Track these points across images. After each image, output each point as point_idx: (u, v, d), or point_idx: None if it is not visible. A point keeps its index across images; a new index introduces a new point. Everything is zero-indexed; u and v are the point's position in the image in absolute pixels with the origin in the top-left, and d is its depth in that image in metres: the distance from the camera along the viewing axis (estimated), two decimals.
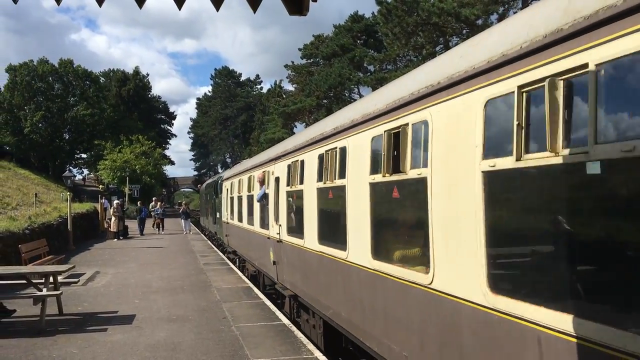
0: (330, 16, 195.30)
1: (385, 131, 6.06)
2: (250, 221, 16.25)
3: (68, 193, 26.98)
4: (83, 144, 73.25)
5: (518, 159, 3.82)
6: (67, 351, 8.59)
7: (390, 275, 5.95)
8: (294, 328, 10.11)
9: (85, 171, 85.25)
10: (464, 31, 37.80)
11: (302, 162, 9.95)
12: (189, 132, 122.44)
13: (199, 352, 8.50)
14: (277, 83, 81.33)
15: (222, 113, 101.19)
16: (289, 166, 11.10)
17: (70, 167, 71.37)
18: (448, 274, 4.83)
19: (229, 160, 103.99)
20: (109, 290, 14.25)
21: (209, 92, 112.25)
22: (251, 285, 15.23)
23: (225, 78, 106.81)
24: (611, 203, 3.33)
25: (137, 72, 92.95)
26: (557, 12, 3.63)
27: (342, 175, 7.60)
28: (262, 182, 13.98)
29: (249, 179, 16.70)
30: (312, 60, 64.48)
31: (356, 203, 6.98)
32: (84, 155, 78.53)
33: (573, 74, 3.43)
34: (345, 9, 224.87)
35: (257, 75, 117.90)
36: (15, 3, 3.03)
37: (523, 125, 3.82)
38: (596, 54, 3.22)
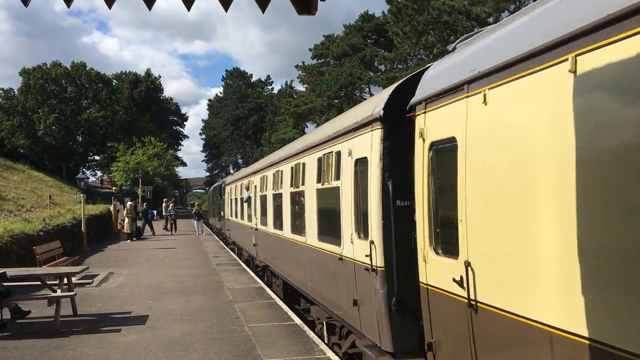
0: (339, 16, 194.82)
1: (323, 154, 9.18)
2: (242, 217, 21.31)
3: (82, 195, 27.19)
4: (96, 146, 73.77)
5: None
6: (81, 352, 8.66)
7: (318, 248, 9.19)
8: (306, 328, 10.11)
9: (99, 173, 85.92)
10: (475, 29, 37.57)
11: (266, 176, 15.55)
12: (200, 134, 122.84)
13: (212, 352, 8.52)
14: (288, 83, 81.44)
15: (233, 114, 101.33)
16: (261, 178, 16.53)
17: (84, 169, 71.94)
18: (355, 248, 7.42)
19: (240, 161, 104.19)
20: (123, 291, 14.34)
21: (220, 93, 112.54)
22: (263, 285, 15.25)
23: (236, 79, 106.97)
24: None
25: (148, 74, 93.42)
26: None
27: (303, 183, 10.79)
28: (247, 188, 19.05)
29: (241, 185, 21.51)
30: (322, 60, 64.46)
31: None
32: (97, 157, 79.15)
33: None
34: (355, 9, 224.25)
35: (268, 76, 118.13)
36: (26, 6, 3.05)
37: None
38: None
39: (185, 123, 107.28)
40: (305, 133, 47.41)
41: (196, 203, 50.57)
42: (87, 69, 71.32)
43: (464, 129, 4.85)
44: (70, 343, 9.20)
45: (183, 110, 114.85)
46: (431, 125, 5.52)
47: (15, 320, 10.68)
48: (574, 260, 3.48)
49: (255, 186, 17.70)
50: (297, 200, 11.41)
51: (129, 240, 30.19)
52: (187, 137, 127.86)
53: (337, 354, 8.61)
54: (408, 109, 6.08)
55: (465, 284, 4.76)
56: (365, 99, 41.58)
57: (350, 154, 7.61)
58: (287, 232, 12.16)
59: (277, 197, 13.59)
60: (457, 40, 6.25)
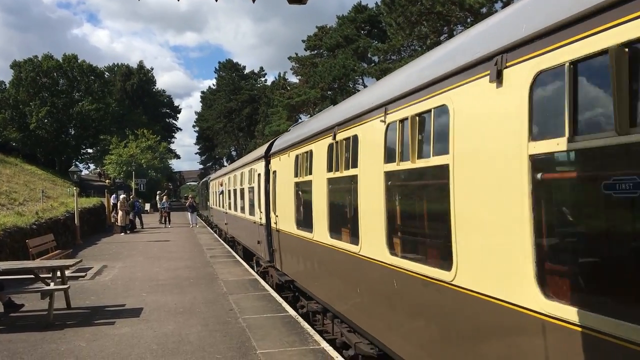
0: (332, 7, 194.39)
1: (248, 169, 18.42)
2: (219, 205, 29.65)
3: (74, 188, 27.07)
4: (89, 139, 73.40)
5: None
6: (75, 345, 8.64)
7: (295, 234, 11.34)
8: (300, 319, 10.12)
9: (92, 166, 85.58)
10: (469, 20, 37.55)
11: (235, 175, 22.11)
12: (193, 126, 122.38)
13: (206, 344, 8.53)
14: (281, 75, 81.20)
15: (226, 106, 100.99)
16: (228, 178, 25.18)
17: (77, 162, 71.65)
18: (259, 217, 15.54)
19: (234, 153, 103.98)
20: (117, 284, 14.31)
21: (213, 85, 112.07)
22: (258, 277, 15.27)
23: (229, 71, 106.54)
24: None
25: (141, 66, 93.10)
26: None
27: (241, 184, 20.20)
28: (221, 184, 28.26)
29: (218, 182, 31.03)
30: (315, 51, 64.29)
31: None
32: (90, 150, 78.80)
33: None
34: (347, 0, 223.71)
35: (261, 68, 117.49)
36: None
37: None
38: None
39: (178, 115, 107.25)
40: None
41: (190, 195, 50.58)
42: (78, 62, 70.84)
43: (277, 168, 12.98)
44: (64, 336, 9.18)
45: (176, 103, 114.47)
46: (272, 164, 13.75)
47: (8, 314, 10.64)
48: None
49: (225, 183, 26.34)
50: (241, 194, 20.24)
51: (122, 233, 30.12)
52: (180, 129, 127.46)
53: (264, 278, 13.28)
54: (268, 155, 14.66)
55: (276, 223, 12.91)
56: (359, 91, 42.55)
57: (257, 170, 15.94)
58: (239, 212, 20.91)
59: (235, 192, 22.19)
60: (293, 124, 16.10)
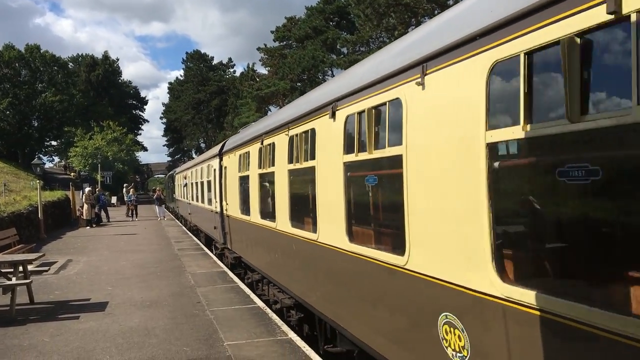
0: None
1: (204, 165, 21.84)
2: (183, 196, 32.48)
3: (38, 181, 26.49)
4: (53, 131, 71.87)
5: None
6: (39, 340, 8.49)
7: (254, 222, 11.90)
8: (268, 310, 10.14)
9: (56, 159, 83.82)
10: (436, 12, 37.84)
11: (197, 169, 24.36)
12: (161, 118, 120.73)
13: (173, 337, 8.48)
14: (250, 66, 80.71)
15: (194, 97, 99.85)
16: (190, 172, 27.72)
17: (40, 155, 70.05)
18: (215, 206, 18.09)
19: (203, 145, 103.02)
20: (82, 278, 14.08)
21: (181, 76, 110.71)
22: (226, 269, 15.21)
23: (197, 62, 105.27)
24: None
25: (106, 56, 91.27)
26: None
27: (200, 178, 23.02)
28: (185, 177, 30.74)
29: (181, 176, 33.64)
30: (284, 42, 64.07)
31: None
32: (54, 143, 77.12)
33: None
34: None
35: (230, 59, 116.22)
36: None
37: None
38: None
39: (145, 107, 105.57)
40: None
41: (157, 188, 50.00)
42: (41, 52, 69.16)
43: (227, 164, 15.33)
44: (27, 331, 9.01)
45: (142, 94, 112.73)
46: (224, 160, 16.02)
47: None
48: None
49: (189, 177, 28.77)
50: (201, 186, 22.54)
51: (88, 227, 29.61)
52: (148, 121, 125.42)
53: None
54: (221, 153, 16.86)
55: (227, 210, 15.57)
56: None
57: (213, 166, 18.38)
58: (200, 203, 23.38)
59: (196, 184, 24.59)
60: (243, 126, 21.47)
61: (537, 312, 3.35)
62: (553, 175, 3.39)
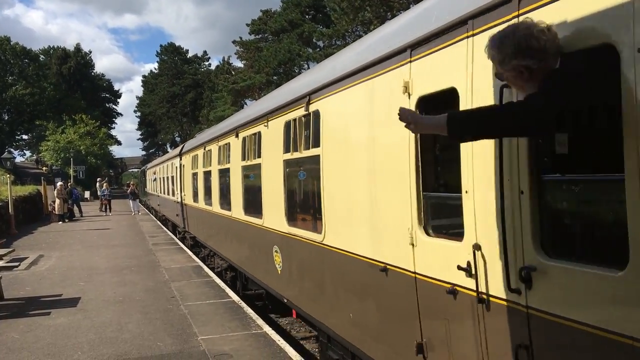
0: None
1: (168, 164, 26.26)
2: (153, 190, 36.14)
3: (8, 175, 25.97)
4: (24, 125, 70.57)
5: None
6: (8, 336, 8.34)
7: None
8: (243, 304, 10.10)
9: (28, 153, 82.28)
10: (411, 5, 37.98)
11: (163, 166, 28.27)
12: (135, 111, 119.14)
13: (146, 332, 8.40)
14: (226, 59, 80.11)
15: (169, 91, 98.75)
16: (158, 169, 31.59)
17: (10, 149, 68.63)
18: (177, 197, 21.44)
19: (178, 139, 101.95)
20: (53, 274, 13.87)
21: (155, 69, 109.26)
22: (201, 264, 15.12)
23: (171, 55, 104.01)
24: None
25: (78, 49, 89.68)
26: None
27: (167, 174, 26.44)
28: (154, 173, 34.19)
29: (151, 172, 37.92)
30: (260, 35, 63.69)
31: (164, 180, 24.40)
32: (25, 137, 75.68)
33: None
34: None
35: (205, 52, 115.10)
36: None
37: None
38: None
39: (118, 100, 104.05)
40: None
41: (131, 182, 49.38)
42: (11, 44, 67.67)
43: (185, 162, 19.23)
44: None
45: (116, 87, 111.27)
46: (183, 159, 19.68)
47: None
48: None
49: (157, 172, 32.38)
50: (167, 180, 26.10)
51: (60, 222, 29.13)
52: (121, 114, 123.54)
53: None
54: (181, 153, 20.46)
55: (183, 199, 19.70)
56: None
57: (175, 164, 22.02)
58: (166, 195, 26.69)
59: (163, 179, 28.30)
60: (199, 132, 27.44)
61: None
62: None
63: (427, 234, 4.28)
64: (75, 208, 33.52)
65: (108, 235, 22.98)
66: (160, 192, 30.05)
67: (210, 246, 15.12)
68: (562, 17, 2.87)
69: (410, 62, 4.27)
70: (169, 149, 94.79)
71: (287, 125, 7.48)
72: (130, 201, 38.03)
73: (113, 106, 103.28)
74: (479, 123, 2.91)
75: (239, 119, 11.05)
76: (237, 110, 59.02)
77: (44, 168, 67.23)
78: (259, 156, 9.02)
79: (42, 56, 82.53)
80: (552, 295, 3.00)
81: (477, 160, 3.55)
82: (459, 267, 3.70)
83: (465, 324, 3.75)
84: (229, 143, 11.48)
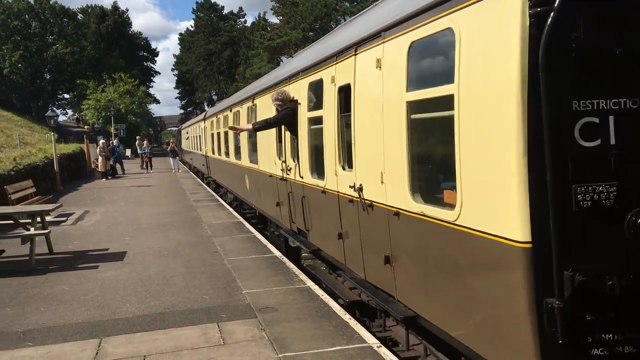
0: None
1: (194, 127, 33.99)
2: (188, 147, 40.56)
3: (52, 134, 26.51)
4: (65, 84, 71.74)
5: None
6: (59, 289, 8.57)
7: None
8: (285, 260, 10.13)
9: (70, 112, 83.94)
10: None
11: (193, 127, 35.12)
12: (172, 70, 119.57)
13: (191, 285, 8.51)
14: (262, 15, 79.25)
15: (205, 49, 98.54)
16: (191, 129, 37.44)
17: (53, 108, 70.16)
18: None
19: (215, 97, 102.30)
20: (99, 229, 14.19)
21: (191, 27, 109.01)
22: (242, 220, 15.22)
23: (207, 12, 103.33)
24: None
25: (115, 7, 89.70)
26: None
27: (197, 134, 31.95)
28: (187, 132, 41.13)
29: (187, 131, 41.40)
30: None
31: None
32: (66, 96, 77.09)
33: None
34: None
35: (240, 8, 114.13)
36: None
37: None
38: None
39: (156, 59, 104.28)
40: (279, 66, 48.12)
41: (171, 141, 50.04)
42: (50, 3, 68.23)
43: (207, 125, 25.26)
44: (47, 280, 9.10)
45: (153, 46, 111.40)
46: (205, 123, 25.73)
47: None
48: None
49: (189, 132, 38.38)
50: (196, 139, 31.31)
51: (103, 179, 29.78)
52: (159, 73, 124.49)
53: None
54: (204, 118, 27.10)
55: (207, 152, 26.20)
56: None
57: (201, 126, 28.30)
58: (196, 150, 32.40)
59: (194, 137, 33.19)
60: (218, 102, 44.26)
61: None
62: None
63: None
64: (118, 165, 34.17)
65: (150, 192, 23.38)
66: (192, 148, 36.03)
67: (223, 184, 21.05)
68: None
69: None
70: (206, 107, 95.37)
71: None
72: (171, 159, 38.60)
73: (151, 65, 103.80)
74: (262, 127, 9.55)
75: (238, 97, 16.66)
76: (274, 67, 58.60)
77: (86, 127, 68.54)
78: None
79: (80, 15, 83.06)
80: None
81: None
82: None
83: None
84: (238, 111, 15.38)
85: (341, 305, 7.48)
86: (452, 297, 4.62)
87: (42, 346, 6.23)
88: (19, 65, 64.98)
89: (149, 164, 37.52)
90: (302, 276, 8.92)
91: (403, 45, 5.10)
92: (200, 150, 28.80)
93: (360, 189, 6.26)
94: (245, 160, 14.37)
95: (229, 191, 19.44)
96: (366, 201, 6.15)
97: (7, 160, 20.89)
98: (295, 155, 9.19)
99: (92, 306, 7.64)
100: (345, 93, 6.80)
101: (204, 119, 26.27)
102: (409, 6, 5.03)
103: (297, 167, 9.07)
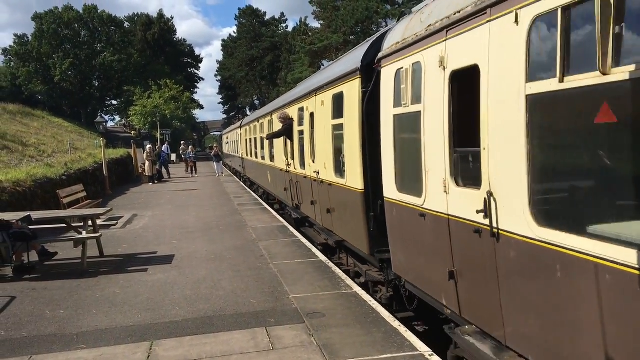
0: None
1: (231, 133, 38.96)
2: (227, 151, 43.83)
3: (101, 139, 27.23)
4: (113, 91, 73.63)
5: None
6: (110, 291, 8.73)
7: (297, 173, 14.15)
8: (331, 264, 10.07)
9: (117, 117, 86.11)
10: None
11: (231, 134, 41.29)
12: (215, 75, 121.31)
13: (239, 289, 8.54)
14: (303, 20, 79.56)
15: (248, 54, 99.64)
16: (230, 134, 42.56)
17: (102, 114, 72.10)
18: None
19: (257, 102, 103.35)
20: (147, 232, 14.45)
21: (234, 33, 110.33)
22: (286, 224, 15.25)
23: (249, 18, 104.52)
24: None
25: (161, 15, 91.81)
26: None
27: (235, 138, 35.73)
28: (227, 138, 46.69)
29: (227, 137, 46.33)
30: None
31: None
32: (114, 102, 79.11)
33: None
34: None
35: (282, 14, 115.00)
36: None
37: None
38: None
39: (200, 65, 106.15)
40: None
41: (215, 145, 50.78)
42: (99, 12, 70.24)
43: (243, 132, 30.56)
44: (99, 283, 9.29)
45: (196, 52, 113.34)
46: (242, 130, 31.11)
47: (42, 262, 10.80)
48: None
49: (228, 137, 43.26)
50: (234, 144, 36.10)
51: (150, 183, 30.40)
52: (203, 79, 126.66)
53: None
54: (241, 126, 32.41)
55: (243, 155, 31.55)
56: None
57: (238, 133, 33.00)
58: (234, 153, 36.71)
59: (233, 142, 37.62)
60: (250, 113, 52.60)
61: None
62: None
63: None
64: (164, 170, 34.82)
65: (195, 196, 23.72)
66: (231, 152, 40.70)
67: (254, 180, 25.83)
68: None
69: None
70: (248, 112, 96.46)
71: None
72: (215, 163, 39.16)
73: (195, 71, 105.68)
74: (271, 137, 15.72)
75: (262, 112, 22.71)
76: (315, 71, 58.72)
77: (133, 132, 70.21)
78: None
79: (127, 23, 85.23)
80: None
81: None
82: None
83: None
84: (262, 122, 20.69)
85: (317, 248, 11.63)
86: (344, 221, 9.42)
87: (95, 348, 6.34)
88: (69, 73, 67.08)
89: (193, 168, 38.12)
90: (349, 281, 8.84)
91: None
92: (237, 153, 33.83)
93: (317, 172, 10.81)
94: (267, 160, 19.17)
95: (259, 186, 23.94)
96: (321, 180, 10.60)
97: (59, 165, 21.56)
98: (292, 155, 13.72)
99: (143, 309, 7.74)
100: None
101: (240, 127, 31.58)
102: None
103: (293, 163, 13.66)
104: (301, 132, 12.44)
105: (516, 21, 4.04)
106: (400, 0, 51.55)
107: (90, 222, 11.18)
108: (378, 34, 8.68)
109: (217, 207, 19.62)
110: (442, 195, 5.49)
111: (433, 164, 5.68)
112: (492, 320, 4.77)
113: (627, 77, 3.05)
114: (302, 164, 12.35)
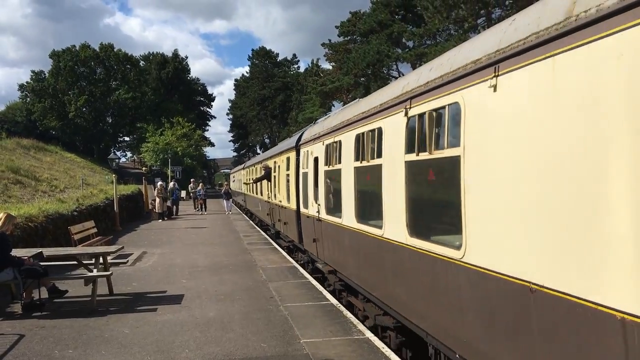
0: None
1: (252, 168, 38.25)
2: (234, 188, 50.41)
3: (113, 175, 27.43)
4: (125, 127, 74.54)
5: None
6: (119, 331, 8.65)
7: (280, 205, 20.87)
8: (342, 308, 9.95)
9: (129, 154, 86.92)
10: (507, 2, 36.53)
11: (238, 173, 49.34)
12: (227, 114, 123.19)
13: (249, 332, 8.43)
14: (314, 62, 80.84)
15: (260, 94, 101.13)
16: (238, 173, 49.60)
17: (115, 150, 72.85)
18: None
19: (267, 140, 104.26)
20: (157, 270, 14.39)
21: (246, 72, 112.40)
22: (296, 265, 15.16)
23: (262, 58, 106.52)
24: None
25: (175, 54, 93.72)
26: None
27: (250, 179, 32.43)
28: (234, 177, 54.97)
29: (233, 176, 56.80)
30: (349, 37, 63.56)
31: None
32: (127, 138, 80.00)
33: None
34: None
35: (294, 55, 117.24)
36: None
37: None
38: None
39: (212, 103, 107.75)
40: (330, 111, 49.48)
41: (225, 183, 51.00)
42: (115, 51, 71.73)
43: (245, 172, 38.58)
44: (108, 322, 9.21)
45: (208, 91, 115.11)
46: (243, 172, 40.03)
47: (52, 300, 10.75)
48: None
49: (235, 177, 51.56)
50: (239, 183, 43.27)
51: (160, 220, 30.44)
52: (214, 117, 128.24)
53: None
54: (244, 167, 40.62)
55: (246, 194, 38.67)
56: (393, 77, 48.12)
57: (241, 173, 42.64)
58: (241, 190, 41.27)
59: (237, 181, 46.93)
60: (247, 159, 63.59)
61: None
62: None
63: None
64: (173, 207, 34.90)
65: (205, 234, 23.69)
66: (236, 189, 47.18)
67: (252, 211, 32.77)
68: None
69: None
70: (258, 151, 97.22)
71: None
72: (224, 201, 39.18)
73: (207, 109, 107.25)
74: (256, 180, 24.37)
75: (256, 159, 29.40)
76: (326, 112, 59.36)
77: (144, 168, 70.74)
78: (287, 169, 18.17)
79: (142, 62, 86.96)
80: None
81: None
82: None
83: None
84: (256, 167, 27.37)
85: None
86: (289, 226, 16.90)
87: None
88: (84, 109, 68.15)
89: (203, 206, 38.21)
90: (360, 326, 8.71)
91: None
92: (241, 189, 41.33)
93: (280, 201, 18.25)
94: (258, 195, 26.23)
95: (254, 214, 31.20)
96: (282, 205, 17.99)
97: (71, 201, 21.66)
98: (271, 191, 20.58)
99: (152, 351, 7.64)
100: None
101: (244, 169, 39.56)
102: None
103: (271, 196, 20.41)
104: (274, 177, 20.41)
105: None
106: (411, 44, 52.29)
107: (101, 260, 11.16)
108: (302, 131, 17.32)
109: (226, 245, 19.56)
110: (285, 200, 17.21)
111: (281, 189, 17.95)
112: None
113: (443, 155, 5.78)
114: (275, 197, 19.94)
